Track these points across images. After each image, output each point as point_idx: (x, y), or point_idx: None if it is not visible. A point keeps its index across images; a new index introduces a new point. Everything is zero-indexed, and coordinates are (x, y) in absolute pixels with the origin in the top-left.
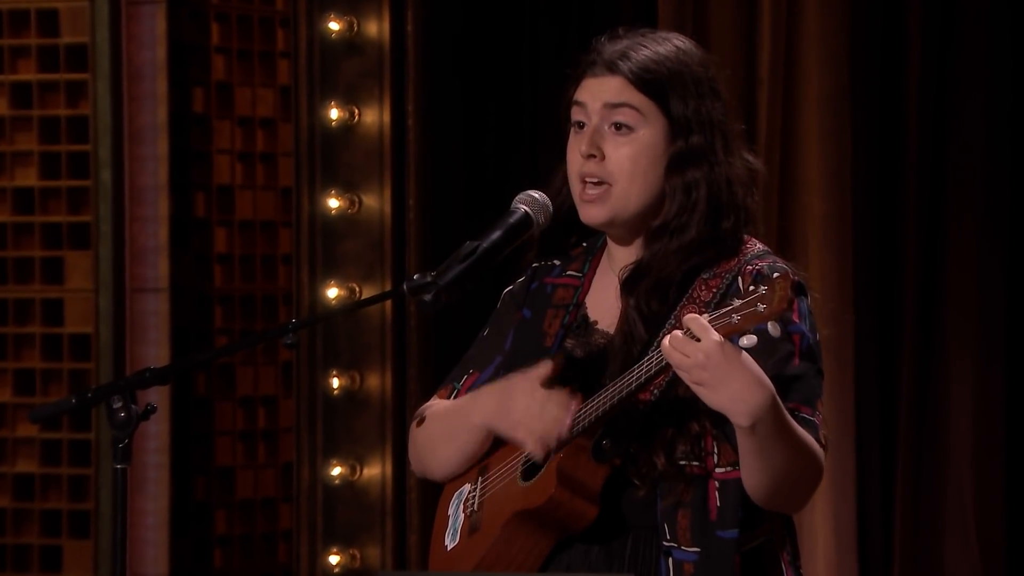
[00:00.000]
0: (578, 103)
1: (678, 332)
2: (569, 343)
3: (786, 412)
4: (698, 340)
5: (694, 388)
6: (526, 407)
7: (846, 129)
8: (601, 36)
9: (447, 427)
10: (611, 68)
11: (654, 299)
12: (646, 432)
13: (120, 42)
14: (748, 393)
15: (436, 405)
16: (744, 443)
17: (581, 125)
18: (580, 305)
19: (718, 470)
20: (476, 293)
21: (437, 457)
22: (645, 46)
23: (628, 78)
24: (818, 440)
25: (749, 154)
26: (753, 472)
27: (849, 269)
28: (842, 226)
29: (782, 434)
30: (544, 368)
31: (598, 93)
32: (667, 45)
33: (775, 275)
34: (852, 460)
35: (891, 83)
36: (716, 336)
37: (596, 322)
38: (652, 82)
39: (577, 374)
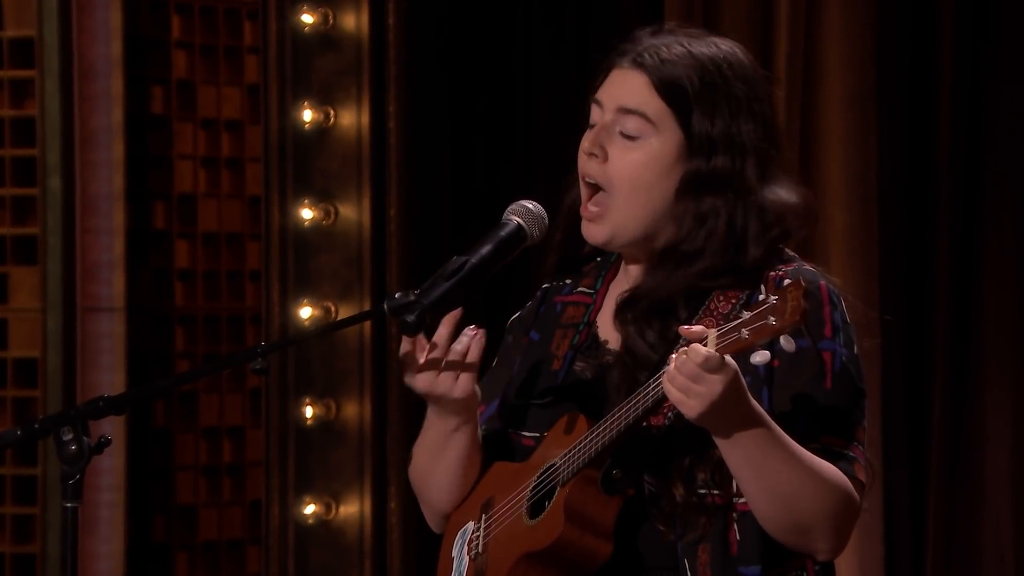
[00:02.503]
0: (596, 101)
1: (692, 364)
2: (579, 365)
3: (783, 439)
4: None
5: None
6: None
7: (872, 132)
8: (647, 27)
9: (429, 446)
10: (637, 62)
11: (654, 320)
12: (661, 460)
13: (70, 36)
14: (737, 423)
15: None
16: (729, 460)
17: (592, 126)
18: (591, 324)
19: (737, 500)
20: (465, 313)
21: (436, 484)
22: (685, 47)
23: (650, 77)
24: (852, 475)
25: (796, 186)
26: (751, 501)
27: (875, 287)
28: (867, 240)
29: (773, 464)
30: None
31: (615, 93)
32: (710, 49)
33: (786, 283)
34: (879, 495)
35: (921, 82)
36: (722, 379)
37: (607, 341)
38: (675, 88)
39: (587, 399)
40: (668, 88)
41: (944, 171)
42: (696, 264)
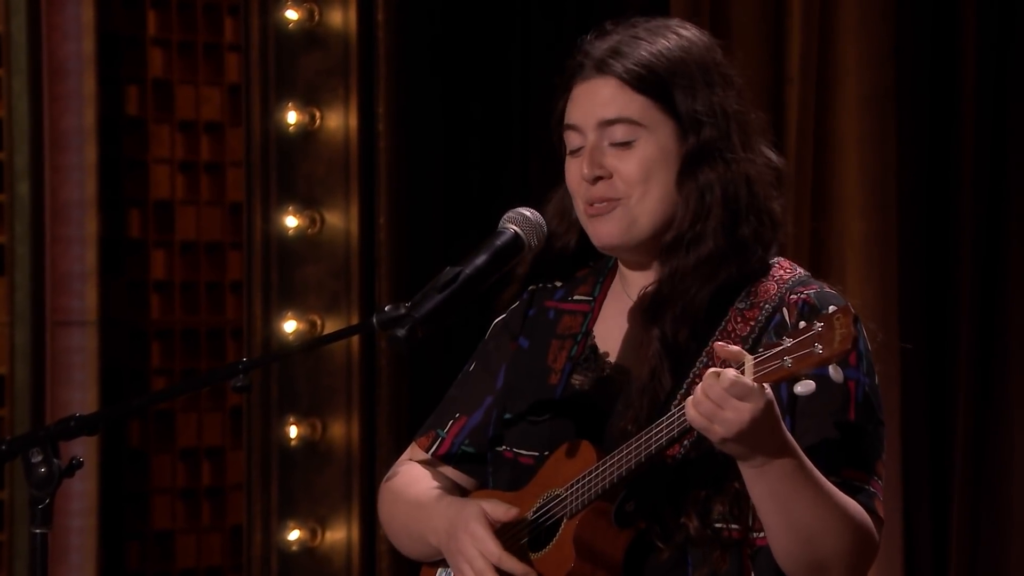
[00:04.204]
0: (571, 127)
1: (719, 389)
2: (577, 380)
3: (811, 472)
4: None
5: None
6: (471, 559)
7: (890, 134)
8: (587, 34)
9: (408, 528)
10: (601, 69)
11: (683, 329)
12: (676, 491)
13: (40, 32)
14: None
15: (408, 469)
16: (753, 491)
17: (576, 150)
18: (589, 334)
19: (753, 535)
20: (458, 327)
21: (401, 545)
22: (640, 39)
23: (623, 78)
24: (873, 510)
25: (771, 149)
26: (771, 535)
27: (894, 299)
28: (886, 249)
29: (800, 499)
30: (501, 510)
31: (589, 109)
32: (666, 35)
33: (832, 309)
34: (899, 524)
35: (943, 80)
36: (759, 403)
37: (606, 353)
38: (651, 79)
39: (586, 415)
40: (644, 81)
41: (967, 175)
42: (703, 246)
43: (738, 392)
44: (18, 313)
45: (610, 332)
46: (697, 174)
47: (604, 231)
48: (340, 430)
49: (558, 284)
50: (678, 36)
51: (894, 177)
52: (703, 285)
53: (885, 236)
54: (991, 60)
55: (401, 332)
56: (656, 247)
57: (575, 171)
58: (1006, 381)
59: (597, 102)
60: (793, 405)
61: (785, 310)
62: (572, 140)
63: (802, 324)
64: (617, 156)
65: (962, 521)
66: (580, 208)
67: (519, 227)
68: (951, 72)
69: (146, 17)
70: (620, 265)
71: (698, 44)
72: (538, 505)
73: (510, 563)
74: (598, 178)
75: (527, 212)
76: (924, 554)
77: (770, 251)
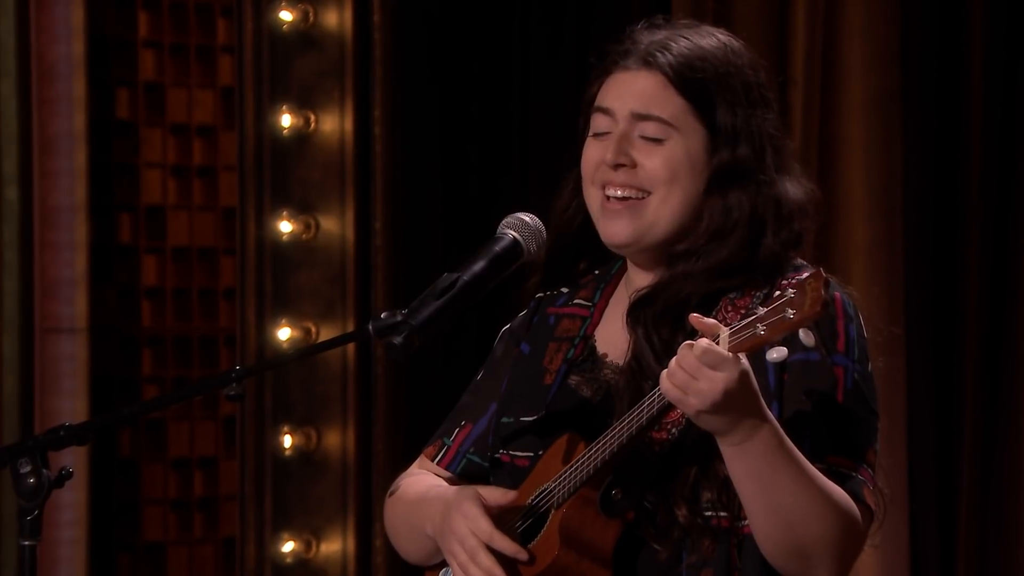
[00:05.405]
0: (603, 110)
1: (692, 358)
2: (573, 380)
3: (793, 454)
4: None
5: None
6: (462, 537)
7: (896, 139)
8: (637, 24)
9: (409, 524)
10: (647, 62)
11: (665, 327)
12: (664, 479)
13: (28, 34)
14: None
15: (412, 477)
16: (734, 472)
17: (602, 134)
18: (588, 338)
19: (740, 523)
20: (456, 334)
21: (403, 549)
22: (692, 41)
23: (667, 75)
24: (860, 499)
25: (804, 178)
26: (752, 519)
27: (900, 306)
28: (891, 255)
29: (780, 480)
30: (497, 494)
31: (627, 97)
32: (712, 40)
33: (805, 275)
34: (905, 533)
35: (950, 82)
36: (735, 372)
37: (606, 355)
38: (695, 83)
39: (581, 415)
40: (688, 85)
41: (974, 180)
42: (714, 256)
43: (710, 361)
44: (7, 320)
45: (611, 335)
46: (727, 191)
47: (616, 229)
48: (335, 439)
49: (563, 291)
50: (725, 46)
51: (900, 182)
52: (698, 288)
53: (891, 242)
54: (998, 63)
55: (398, 340)
56: (666, 250)
57: (596, 153)
58: (1014, 388)
59: (636, 93)
60: (780, 390)
61: (777, 294)
62: (600, 123)
63: (776, 293)
64: (645, 150)
65: (970, 529)
66: (593, 196)
67: (518, 232)
68: (957, 75)
69: (137, 19)
70: (629, 267)
71: (745, 59)
72: (530, 501)
73: (501, 542)
74: (620, 165)
75: (526, 217)
76: (930, 561)
77: (784, 268)
